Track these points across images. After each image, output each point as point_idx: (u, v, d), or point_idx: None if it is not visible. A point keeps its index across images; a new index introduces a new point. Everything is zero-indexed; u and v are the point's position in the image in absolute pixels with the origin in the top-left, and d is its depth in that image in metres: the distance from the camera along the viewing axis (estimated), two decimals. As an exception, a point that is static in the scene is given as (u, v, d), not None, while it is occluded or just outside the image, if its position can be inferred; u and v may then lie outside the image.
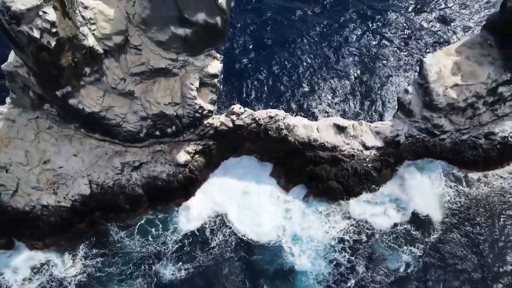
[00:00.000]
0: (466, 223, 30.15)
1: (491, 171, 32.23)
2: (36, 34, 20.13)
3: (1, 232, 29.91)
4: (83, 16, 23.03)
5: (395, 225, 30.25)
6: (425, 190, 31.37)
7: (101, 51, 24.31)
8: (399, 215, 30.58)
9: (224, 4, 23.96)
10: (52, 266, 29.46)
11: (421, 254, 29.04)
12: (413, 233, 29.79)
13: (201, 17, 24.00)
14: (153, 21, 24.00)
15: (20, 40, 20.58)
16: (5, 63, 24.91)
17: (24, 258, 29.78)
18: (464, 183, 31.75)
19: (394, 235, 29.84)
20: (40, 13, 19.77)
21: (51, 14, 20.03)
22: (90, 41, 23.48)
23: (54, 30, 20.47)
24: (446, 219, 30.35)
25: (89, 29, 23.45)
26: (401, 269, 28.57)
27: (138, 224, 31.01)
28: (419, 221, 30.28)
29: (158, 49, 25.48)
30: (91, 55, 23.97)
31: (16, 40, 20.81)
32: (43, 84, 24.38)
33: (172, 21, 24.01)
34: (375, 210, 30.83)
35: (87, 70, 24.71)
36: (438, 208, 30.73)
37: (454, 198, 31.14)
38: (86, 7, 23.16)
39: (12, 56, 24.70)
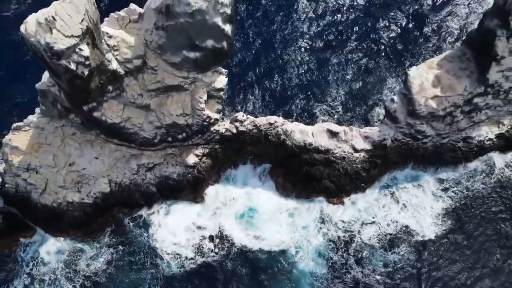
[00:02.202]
0: (454, 223, 35.11)
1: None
2: (72, 66, 24.99)
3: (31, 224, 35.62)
4: (108, 44, 27.80)
5: (384, 226, 35.22)
6: (414, 196, 36.38)
7: (122, 72, 29.17)
8: (388, 218, 35.53)
9: (229, 32, 28.71)
10: (78, 255, 34.35)
11: (408, 252, 33.88)
12: (400, 235, 34.65)
13: (209, 43, 28.71)
14: (168, 47, 28.73)
15: (58, 70, 25.47)
16: (39, 83, 29.79)
17: (52, 249, 34.65)
18: (450, 187, 36.73)
19: (383, 236, 34.70)
20: (77, 50, 24.53)
21: (85, 50, 24.84)
22: (114, 65, 28.34)
23: (87, 62, 25.35)
24: (434, 221, 35.26)
25: (113, 54, 28.22)
26: (390, 266, 33.47)
27: (146, 217, 36.08)
28: (406, 223, 35.19)
29: (171, 69, 30.21)
30: (114, 76, 28.85)
31: (54, 70, 25.71)
32: (73, 101, 29.35)
33: (184, 46, 28.69)
34: (367, 213, 35.64)
35: (110, 88, 29.57)
36: (426, 210, 35.72)
37: (442, 202, 35.98)
38: (110, 36, 27.91)
39: (45, 76, 29.57)
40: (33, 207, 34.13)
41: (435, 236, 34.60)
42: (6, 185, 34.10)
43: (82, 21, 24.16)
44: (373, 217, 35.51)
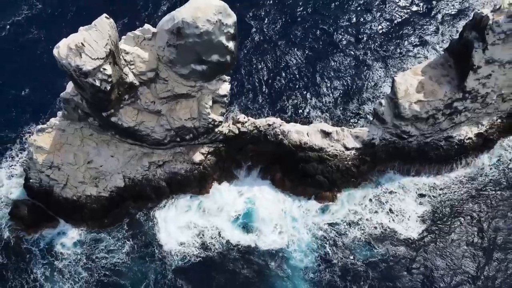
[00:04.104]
0: (437, 225, 39.40)
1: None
2: (97, 83, 30.16)
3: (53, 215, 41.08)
4: (125, 60, 32.88)
5: (371, 226, 39.78)
6: (400, 200, 41.02)
7: (137, 83, 34.27)
8: (375, 219, 40.05)
9: (232, 48, 33.69)
10: (95, 246, 38.99)
11: (393, 249, 38.21)
12: (385, 234, 39.08)
13: (215, 57, 33.69)
14: (178, 61, 33.71)
15: (84, 86, 30.62)
16: (64, 92, 35.00)
17: (72, 240, 39.38)
18: (432, 190, 41.51)
19: (369, 235, 39.10)
20: (101, 69, 29.70)
21: (109, 70, 29.98)
22: (130, 78, 33.45)
23: (110, 79, 30.49)
24: (418, 223, 39.68)
25: (129, 68, 33.32)
26: (376, 261, 37.75)
27: (156, 211, 41.04)
28: (391, 224, 39.68)
29: (180, 80, 35.21)
30: (130, 87, 34.01)
31: (81, 85, 30.85)
32: (94, 109, 34.57)
33: (193, 61, 33.62)
34: (355, 214, 40.30)
35: (126, 96, 34.70)
36: (410, 212, 40.29)
37: (426, 205, 40.47)
38: (127, 53, 32.96)
39: (69, 87, 34.71)
40: (56, 200, 39.41)
41: (418, 236, 38.90)
42: (30, 180, 39.51)
43: (106, 45, 29.23)
44: (360, 218, 40.14)
